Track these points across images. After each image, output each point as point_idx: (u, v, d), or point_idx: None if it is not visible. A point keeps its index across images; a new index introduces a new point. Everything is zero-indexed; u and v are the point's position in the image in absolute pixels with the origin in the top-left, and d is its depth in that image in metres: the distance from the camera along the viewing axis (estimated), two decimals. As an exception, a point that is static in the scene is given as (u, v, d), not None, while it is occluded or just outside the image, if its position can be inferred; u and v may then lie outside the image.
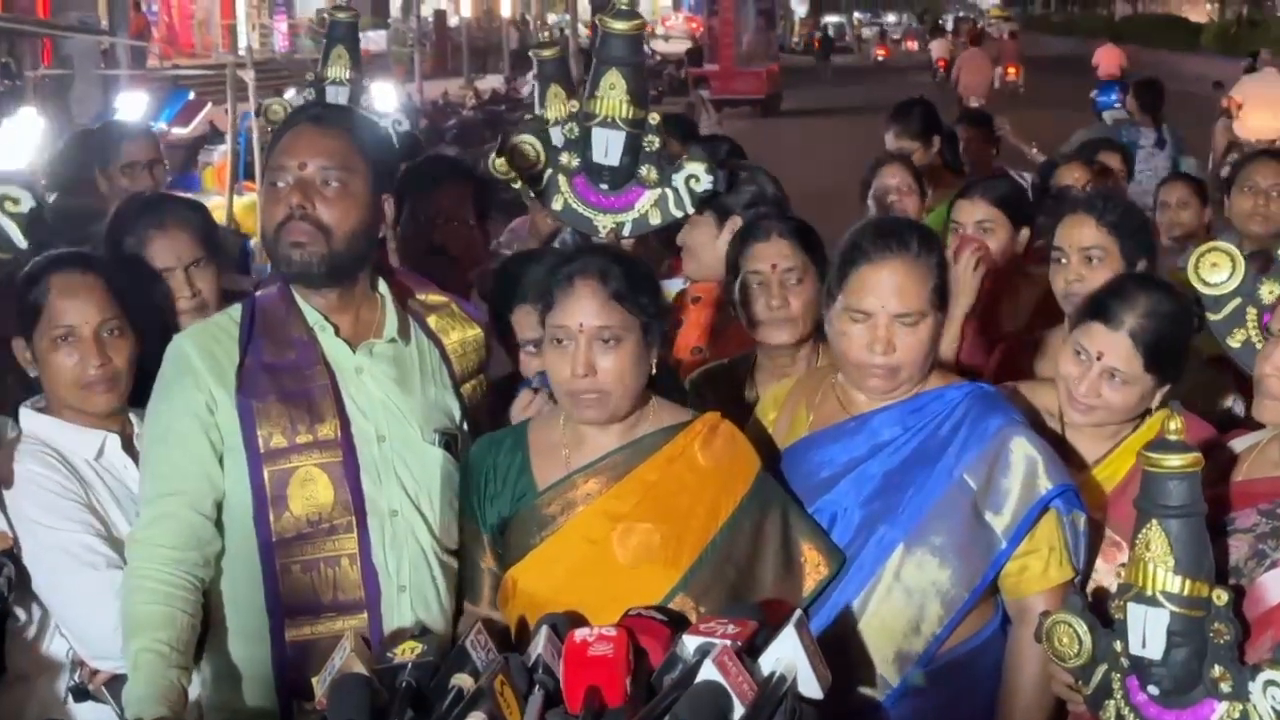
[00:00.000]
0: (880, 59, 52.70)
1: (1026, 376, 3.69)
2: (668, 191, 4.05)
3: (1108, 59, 27.07)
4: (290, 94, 6.12)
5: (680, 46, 46.19)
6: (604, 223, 4.04)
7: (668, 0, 74.08)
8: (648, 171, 4.05)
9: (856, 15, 79.70)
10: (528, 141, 4.07)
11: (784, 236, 3.64)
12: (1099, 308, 3.25)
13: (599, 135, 4.03)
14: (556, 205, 4.10)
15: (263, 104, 5.48)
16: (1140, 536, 2.66)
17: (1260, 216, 5.17)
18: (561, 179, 4.09)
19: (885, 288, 3.04)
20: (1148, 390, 3.23)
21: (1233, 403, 3.73)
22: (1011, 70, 37.52)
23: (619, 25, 4.02)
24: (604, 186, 4.05)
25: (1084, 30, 60.82)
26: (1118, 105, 12.36)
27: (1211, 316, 3.21)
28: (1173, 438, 2.64)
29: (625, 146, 4.01)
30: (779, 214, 3.78)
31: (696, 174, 4.07)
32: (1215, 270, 3.19)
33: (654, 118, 4.07)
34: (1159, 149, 9.61)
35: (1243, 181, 5.29)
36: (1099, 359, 3.20)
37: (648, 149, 4.04)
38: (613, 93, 4.01)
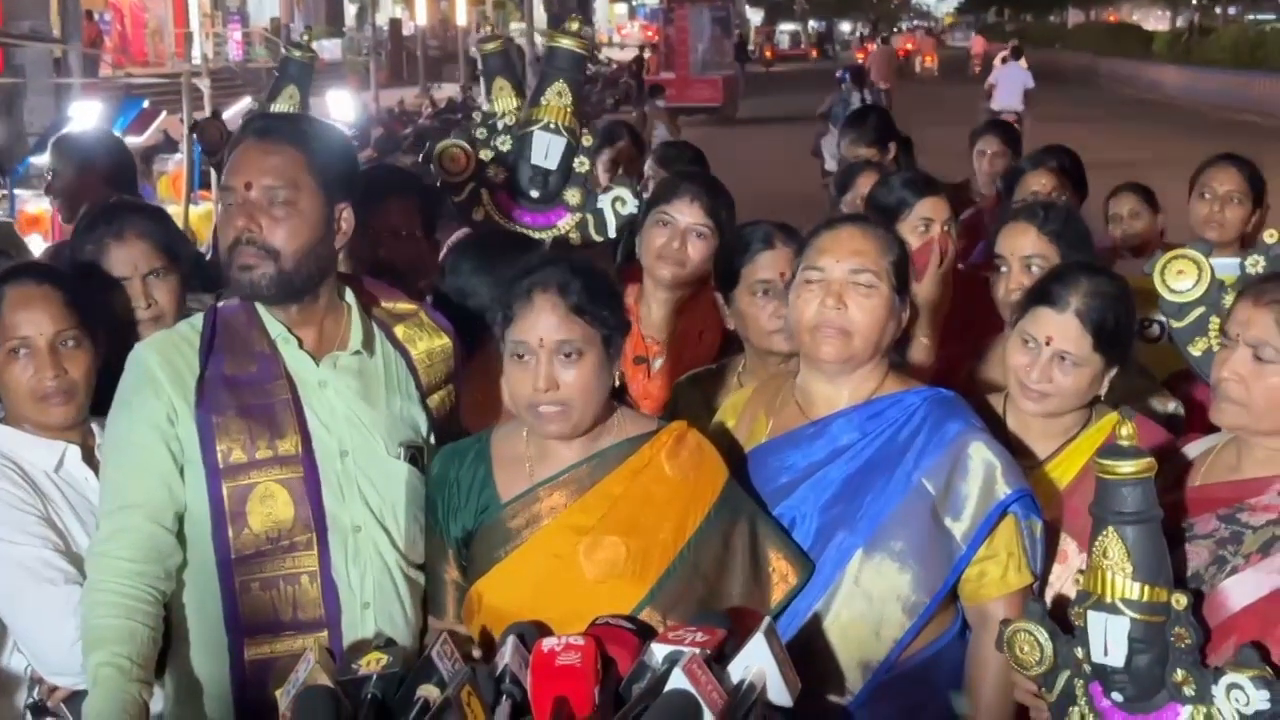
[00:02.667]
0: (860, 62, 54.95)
1: (965, 385, 3.69)
2: (589, 216, 4.10)
3: (978, 44, 41.72)
4: (239, 106, 6.09)
5: (625, 55, 46.43)
6: None
7: (623, 8, 74.12)
8: (573, 194, 4.05)
9: (811, 23, 79.91)
10: (459, 146, 4.06)
11: (787, 245, 3.61)
12: (1043, 293, 3.27)
13: (541, 138, 4.05)
14: (477, 217, 4.10)
15: (198, 122, 5.45)
16: (1097, 544, 2.67)
17: (1216, 223, 5.17)
18: (484, 192, 4.09)
19: (842, 247, 3.06)
20: (1097, 372, 3.25)
21: (1175, 407, 3.75)
22: (928, 59, 50.30)
23: (567, 41, 4.10)
24: (535, 194, 4.05)
25: (1036, 38, 61.27)
26: (847, 79, 20.49)
27: (1174, 324, 3.22)
28: (1125, 443, 2.65)
29: (563, 155, 4.01)
30: (776, 222, 3.75)
31: (623, 197, 4.11)
32: (1181, 278, 3.21)
33: (587, 139, 4.09)
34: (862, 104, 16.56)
35: (1200, 187, 5.29)
36: (1048, 344, 3.21)
37: (578, 169, 4.05)
38: (560, 99, 4.07)
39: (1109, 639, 2.67)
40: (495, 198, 4.12)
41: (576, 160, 4.08)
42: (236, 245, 2.94)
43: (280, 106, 4.74)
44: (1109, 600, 2.65)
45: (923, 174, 4.84)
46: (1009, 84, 23.82)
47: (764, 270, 3.64)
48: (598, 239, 4.13)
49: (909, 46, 49.33)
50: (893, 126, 6.62)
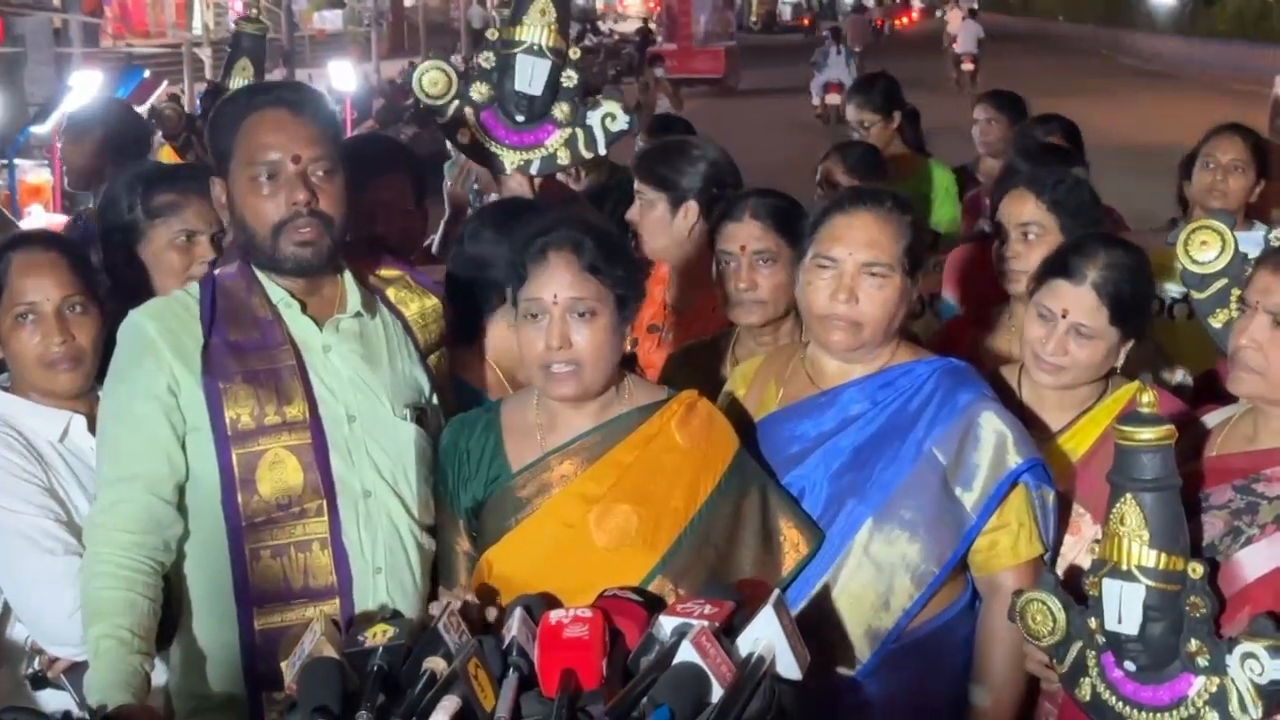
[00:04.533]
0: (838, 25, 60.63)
1: (968, 353, 3.68)
2: (578, 131, 4.02)
3: (954, 14, 42.61)
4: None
5: (627, 27, 46.54)
6: (511, 159, 4.00)
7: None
8: (561, 109, 3.99)
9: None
10: (439, 69, 4.00)
11: (757, 217, 3.60)
12: (1060, 265, 3.26)
13: (524, 62, 3.96)
14: (462, 139, 4.04)
15: (154, 107, 5.41)
16: (1114, 511, 2.67)
17: (1219, 193, 5.13)
18: (469, 112, 4.02)
19: (855, 237, 3.04)
20: (1113, 345, 3.23)
21: (1182, 376, 3.73)
22: (897, 22, 62.58)
23: None
24: (519, 118, 3.98)
25: (1040, 10, 61.11)
26: (829, 37, 28.03)
27: (1196, 295, 3.21)
28: (1145, 410, 2.64)
29: (548, 77, 3.95)
30: (761, 191, 3.74)
31: (613, 112, 4.04)
32: (1205, 249, 3.18)
33: (574, 52, 4.02)
34: (839, 55, 25.52)
35: (1204, 157, 5.25)
36: (1064, 316, 3.20)
37: (566, 84, 3.99)
38: (542, 19, 3.96)
39: (1124, 606, 2.66)
40: (480, 117, 4.06)
41: (564, 75, 4.00)
42: (294, 218, 2.92)
43: (236, 80, 4.69)
44: (1125, 567, 2.65)
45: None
46: (966, 34, 33.60)
47: (726, 241, 3.63)
48: (587, 155, 4.06)
49: (882, 19, 58.71)
50: (899, 96, 6.60)
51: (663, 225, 4.06)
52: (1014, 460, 3.01)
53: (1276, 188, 5.32)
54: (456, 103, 4.00)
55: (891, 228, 3.05)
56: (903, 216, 3.09)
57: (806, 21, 61.84)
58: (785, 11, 67.67)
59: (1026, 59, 37.33)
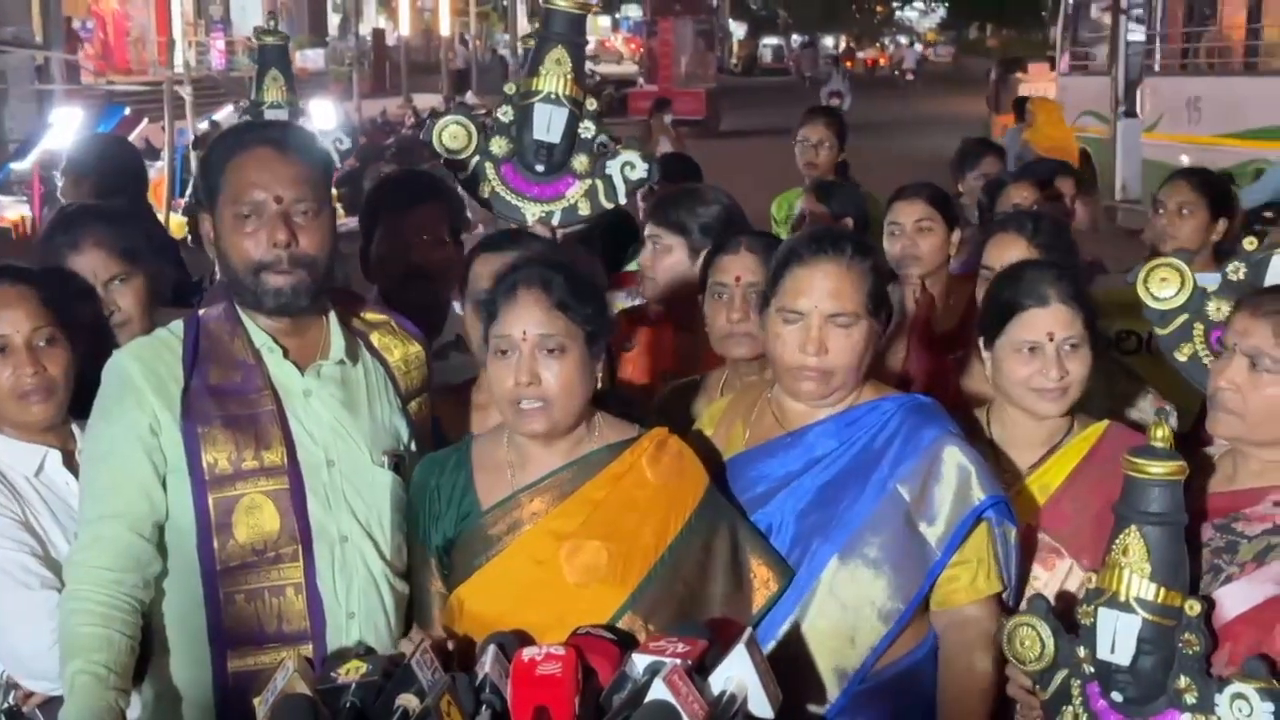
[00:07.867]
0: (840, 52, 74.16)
1: (956, 397, 3.69)
2: (598, 182, 4.04)
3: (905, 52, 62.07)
4: (225, 111, 6.12)
5: (624, 69, 46.85)
6: (532, 211, 4.01)
7: (606, 22, 74.14)
8: (580, 161, 4.01)
9: (795, 37, 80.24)
10: (459, 123, 4.03)
11: (752, 251, 3.60)
12: (1025, 297, 3.24)
13: (541, 111, 3.97)
14: (484, 193, 4.06)
15: (198, 137, 5.45)
16: (1117, 542, 2.68)
17: (1170, 235, 5.23)
18: (489, 166, 4.05)
19: (818, 288, 3.04)
20: (1092, 354, 3.25)
21: (1166, 416, 3.75)
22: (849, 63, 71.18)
23: (563, 2, 4.00)
24: (539, 169, 4.00)
25: (1018, 53, 61.55)
26: (831, 62, 50.08)
27: (1159, 331, 3.24)
28: (1158, 445, 2.65)
29: (566, 126, 3.98)
30: (754, 230, 3.76)
31: (632, 161, 4.05)
32: (1164, 285, 3.23)
33: (591, 103, 4.05)
34: (837, 74, 36.78)
35: (1157, 203, 5.38)
36: (1051, 339, 3.21)
37: (583, 135, 4.01)
38: (558, 68, 3.96)
39: (1117, 636, 2.67)
40: (500, 171, 4.08)
41: (581, 126, 4.02)
42: (274, 261, 2.92)
43: (269, 93, 4.75)
44: (1123, 598, 2.66)
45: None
46: (910, 57, 57.41)
47: (720, 273, 3.63)
48: (607, 205, 4.08)
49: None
50: (845, 135, 6.78)
51: (679, 270, 4.05)
52: (978, 496, 3.02)
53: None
54: (477, 157, 4.03)
55: (853, 275, 3.06)
56: (864, 261, 3.10)
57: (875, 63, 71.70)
58: (766, 54, 68.26)
59: (965, 86, 45.79)
